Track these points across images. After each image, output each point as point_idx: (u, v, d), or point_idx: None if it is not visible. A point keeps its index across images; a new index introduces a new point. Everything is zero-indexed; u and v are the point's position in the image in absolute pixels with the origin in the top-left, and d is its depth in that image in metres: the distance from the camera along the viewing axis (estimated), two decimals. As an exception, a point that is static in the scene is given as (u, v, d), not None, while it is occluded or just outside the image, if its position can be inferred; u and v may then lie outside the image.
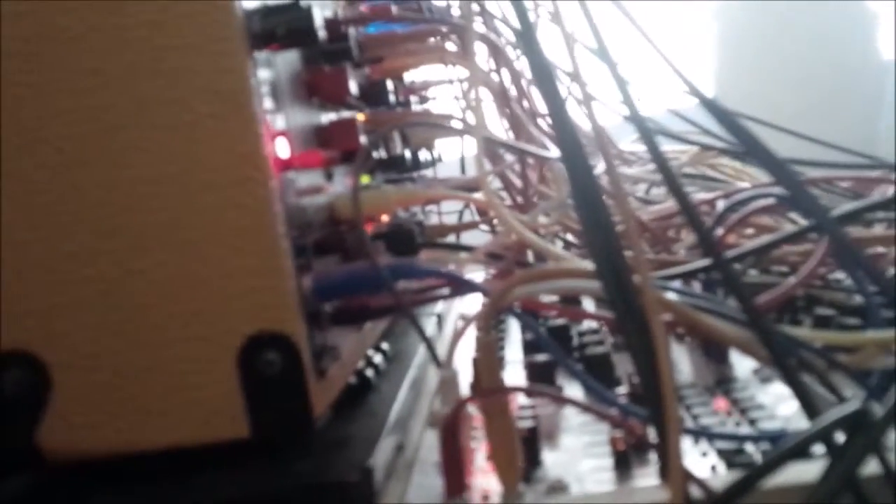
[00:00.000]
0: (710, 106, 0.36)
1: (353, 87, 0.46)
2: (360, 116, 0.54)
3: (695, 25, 1.94)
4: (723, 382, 0.46)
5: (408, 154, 0.61)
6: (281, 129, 0.39)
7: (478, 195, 0.45)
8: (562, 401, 0.38)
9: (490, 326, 0.35)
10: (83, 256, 0.36)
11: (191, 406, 0.36)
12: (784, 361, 0.32)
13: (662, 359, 0.30)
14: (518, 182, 0.61)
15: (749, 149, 0.31)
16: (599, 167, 0.34)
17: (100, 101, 0.35)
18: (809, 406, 0.32)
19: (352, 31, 0.48)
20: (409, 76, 0.69)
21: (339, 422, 0.40)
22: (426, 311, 0.62)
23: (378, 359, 0.49)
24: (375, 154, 0.54)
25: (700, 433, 0.37)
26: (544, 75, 0.32)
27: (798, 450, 0.27)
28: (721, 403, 0.42)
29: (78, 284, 0.36)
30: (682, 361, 0.50)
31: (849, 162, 0.68)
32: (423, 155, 0.66)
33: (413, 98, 0.70)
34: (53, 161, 0.36)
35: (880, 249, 0.56)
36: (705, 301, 0.35)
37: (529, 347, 0.54)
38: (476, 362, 0.36)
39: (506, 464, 0.36)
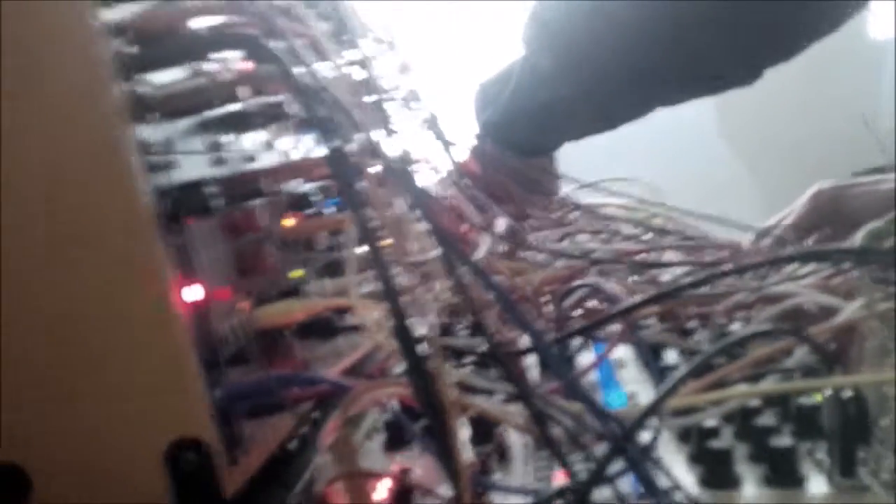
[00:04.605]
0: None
1: (264, 219, 0.58)
2: (289, 222, 0.67)
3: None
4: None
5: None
6: (196, 276, 0.51)
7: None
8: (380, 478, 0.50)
9: (344, 425, 0.47)
10: (48, 378, 0.49)
11: (132, 494, 0.48)
12: (545, 432, 0.44)
13: (453, 441, 0.42)
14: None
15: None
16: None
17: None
18: (571, 473, 0.44)
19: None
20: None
21: (256, 493, 0.53)
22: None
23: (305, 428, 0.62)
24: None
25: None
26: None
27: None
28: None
29: (47, 400, 0.49)
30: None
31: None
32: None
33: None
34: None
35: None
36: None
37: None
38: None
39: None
